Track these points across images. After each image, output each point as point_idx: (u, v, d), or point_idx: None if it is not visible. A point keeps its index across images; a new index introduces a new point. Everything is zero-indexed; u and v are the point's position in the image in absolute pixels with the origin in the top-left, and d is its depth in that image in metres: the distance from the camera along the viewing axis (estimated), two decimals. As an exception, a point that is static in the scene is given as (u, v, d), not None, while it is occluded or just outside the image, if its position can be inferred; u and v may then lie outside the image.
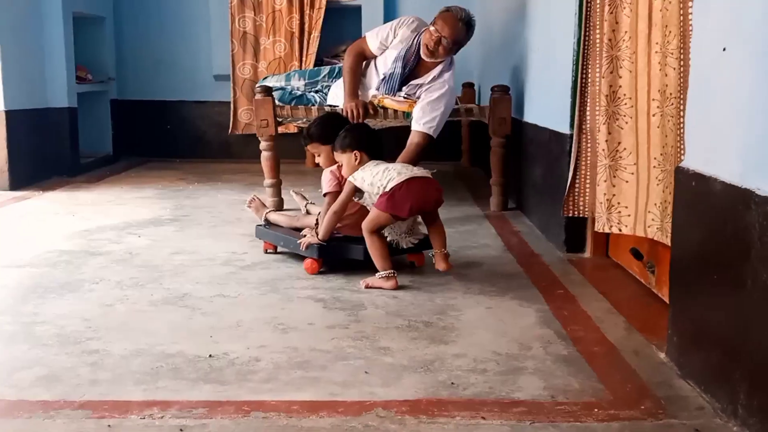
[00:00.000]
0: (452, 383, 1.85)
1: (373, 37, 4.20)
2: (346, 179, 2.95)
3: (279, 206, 4.25)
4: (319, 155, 3.12)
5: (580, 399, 1.76)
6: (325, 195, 3.16)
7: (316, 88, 4.53)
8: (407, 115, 4.11)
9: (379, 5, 6.29)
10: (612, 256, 3.06)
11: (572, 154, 3.01)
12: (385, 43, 4.17)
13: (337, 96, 4.33)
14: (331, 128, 3.08)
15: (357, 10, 6.31)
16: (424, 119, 3.99)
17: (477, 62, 6.06)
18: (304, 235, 2.93)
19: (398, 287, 2.65)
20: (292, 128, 5.83)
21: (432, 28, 3.95)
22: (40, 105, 5.17)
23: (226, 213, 4.14)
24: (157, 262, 3.00)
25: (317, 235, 2.88)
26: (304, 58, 6.17)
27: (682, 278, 1.95)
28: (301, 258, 2.98)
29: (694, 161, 1.90)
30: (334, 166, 3.17)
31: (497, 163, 4.26)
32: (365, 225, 2.81)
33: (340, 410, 1.70)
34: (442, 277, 2.82)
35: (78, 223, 3.76)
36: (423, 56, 4.02)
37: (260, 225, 3.23)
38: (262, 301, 2.51)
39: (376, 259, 2.78)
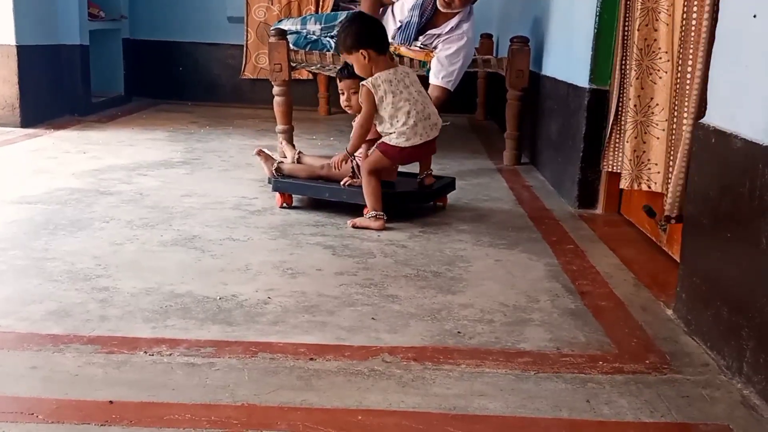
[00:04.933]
0: (458, 332, 1.86)
1: (390, -17, 4.12)
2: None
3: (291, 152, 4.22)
4: (353, 92, 2.92)
5: (585, 351, 1.77)
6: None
7: (332, 34, 4.45)
8: (423, 65, 4.06)
9: (398, -50, 6.13)
10: (624, 213, 3.03)
11: (611, 107, 2.93)
12: (403, -12, 4.09)
13: (352, 42, 4.26)
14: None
15: (375, -46, 6.16)
16: (441, 73, 3.94)
17: (496, 12, 5.95)
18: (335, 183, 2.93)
19: (385, 228, 2.73)
20: (305, 74, 5.78)
21: None
22: (51, 41, 5.12)
23: (237, 157, 4.13)
24: (167, 203, 3.00)
25: (348, 152, 2.85)
26: (321, 2, 6.07)
27: (694, 235, 1.93)
28: (313, 205, 2.97)
29: (715, 117, 1.86)
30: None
31: (512, 116, 4.21)
32: (366, 165, 2.82)
33: (346, 354, 1.71)
34: (452, 228, 2.82)
35: (89, 162, 3.75)
36: (439, 7, 3.95)
37: (275, 177, 3.02)
38: (271, 246, 2.51)
39: (370, 198, 2.80)
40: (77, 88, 5.38)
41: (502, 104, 4.33)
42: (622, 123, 2.87)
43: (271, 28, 4.21)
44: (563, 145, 3.47)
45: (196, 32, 6.49)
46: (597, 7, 3.02)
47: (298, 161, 3.16)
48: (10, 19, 4.61)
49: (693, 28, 2.33)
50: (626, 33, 2.85)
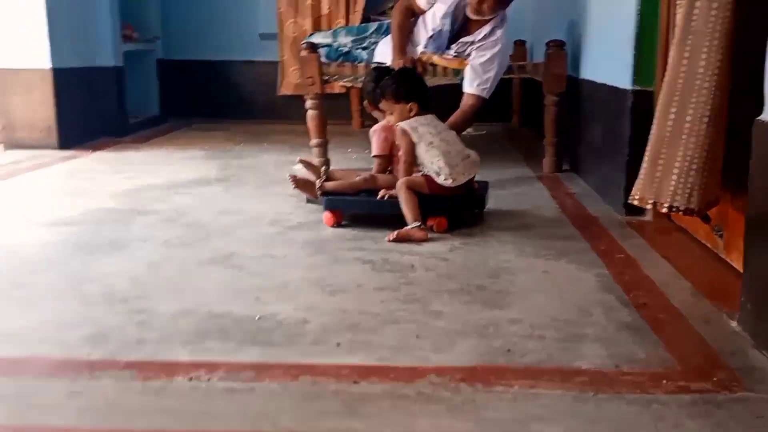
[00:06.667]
0: (508, 350, 1.76)
1: (422, -6, 4.05)
2: (395, 132, 2.91)
3: (326, 167, 4.16)
4: (391, 113, 2.97)
5: (647, 369, 1.66)
6: (374, 157, 3.07)
7: (363, 45, 4.41)
8: (457, 73, 3.98)
9: (427, -40, 6.07)
10: (675, 220, 2.90)
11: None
12: (434, -1, 4.02)
13: (384, 53, 4.20)
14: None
15: (405, -35, 6.11)
16: (476, 81, 3.86)
17: (529, 18, 5.84)
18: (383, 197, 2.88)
19: (428, 239, 2.67)
20: (337, 88, 5.73)
21: None
22: (87, 64, 5.16)
23: (272, 173, 4.09)
24: (204, 221, 2.96)
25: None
26: (350, 16, 6.03)
27: (758, 240, 1.81)
28: (349, 220, 2.91)
29: (776, 115, 1.75)
30: (380, 125, 3.08)
31: (551, 122, 4.10)
32: (405, 181, 2.81)
33: (391, 376, 1.63)
34: (493, 239, 2.72)
35: (125, 182, 3.74)
36: (469, 14, 3.87)
37: (320, 195, 2.93)
38: (309, 262, 2.45)
39: (409, 210, 2.76)
40: (113, 109, 5.42)
41: (539, 111, 4.23)
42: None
43: (302, 42, 4.17)
44: (607, 151, 3.35)
45: (229, 50, 6.50)
46: (637, 5, 2.90)
47: (329, 178, 3.09)
48: (46, 43, 4.65)
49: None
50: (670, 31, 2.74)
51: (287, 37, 6.20)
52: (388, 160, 3.06)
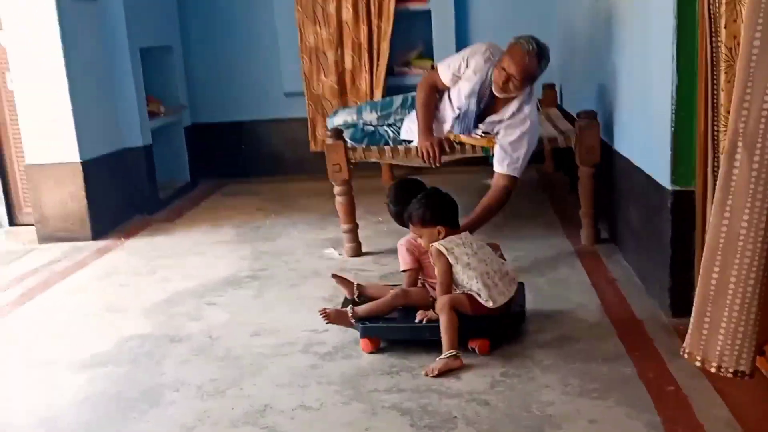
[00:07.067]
0: None
1: (445, 69, 3.97)
2: (429, 252, 2.86)
3: (357, 251, 4.10)
4: (420, 236, 2.90)
5: None
6: (403, 272, 3.00)
7: (389, 122, 4.34)
8: (486, 151, 3.89)
9: (450, 8, 5.99)
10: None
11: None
12: (458, 74, 3.93)
13: (410, 130, 4.13)
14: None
15: (426, 14, 6.03)
16: (506, 161, 3.78)
17: (556, 62, 5.70)
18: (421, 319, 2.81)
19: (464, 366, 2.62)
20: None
21: (501, 64, 3.69)
22: (115, 148, 5.17)
23: (303, 261, 4.04)
24: (237, 350, 2.91)
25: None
26: (374, 70, 5.96)
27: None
28: (390, 343, 2.83)
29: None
30: (405, 238, 3.00)
31: (586, 195, 3.98)
32: (448, 301, 2.73)
33: None
34: (535, 364, 2.62)
35: (158, 288, 3.72)
36: (495, 93, 3.77)
37: (354, 322, 2.83)
38: (346, 415, 2.37)
39: (450, 336, 2.68)
40: (144, 188, 5.41)
41: (572, 156, 4.05)
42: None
43: (328, 129, 4.11)
44: (647, 240, 3.22)
45: (256, 110, 6.47)
46: (672, 96, 2.76)
47: (360, 295, 3.02)
48: (73, 137, 4.66)
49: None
50: (714, 131, 2.59)
51: (313, 94, 6.15)
52: (417, 272, 2.98)
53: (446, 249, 2.78)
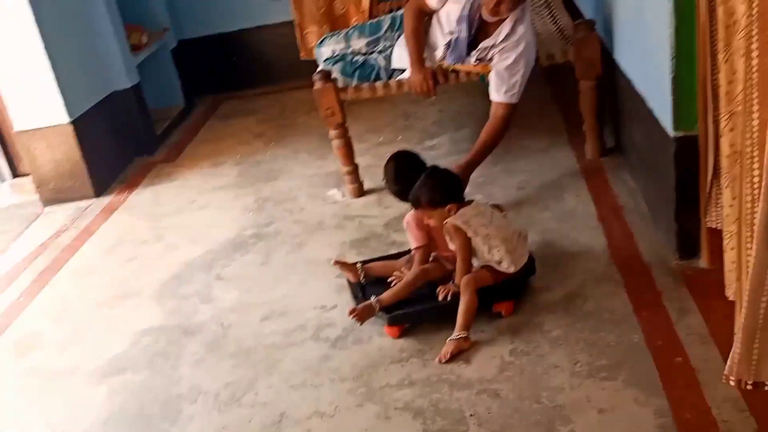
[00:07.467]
0: None
1: (431, -8, 3.69)
2: (445, 228, 2.79)
3: (360, 191, 4.04)
4: (430, 218, 2.81)
5: None
6: (415, 249, 2.94)
7: (379, 48, 4.11)
8: (483, 78, 3.69)
9: None
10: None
11: (706, 157, 2.57)
12: (445, -4, 3.66)
13: (402, 57, 3.91)
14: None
15: None
16: (503, 87, 3.59)
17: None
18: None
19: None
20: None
21: None
22: (102, 94, 5.00)
23: (307, 209, 4.00)
24: (249, 342, 2.93)
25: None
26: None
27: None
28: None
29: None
30: (411, 215, 2.92)
31: (589, 109, 3.81)
32: (471, 280, 2.72)
33: None
34: (545, 338, 2.61)
35: (166, 262, 3.71)
36: (485, 17, 3.52)
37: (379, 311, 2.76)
38: (360, 421, 2.41)
39: (467, 317, 2.68)
40: (139, 128, 5.30)
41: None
42: (722, 177, 2.50)
43: (315, 73, 3.89)
44: (653, 173, 3.10)
45: (242, 19, 6.20)
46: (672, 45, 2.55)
47: (367, 275, 3.00)
48: (58, 98, 4.51)
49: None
50: (714, 70, 2.40)
51: (297, -3, 5.78)
52: (428, 247, 2.93)
53: (463, 222, 2.72)
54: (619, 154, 3.81)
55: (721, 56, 2.29)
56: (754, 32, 1.85)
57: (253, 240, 3.79)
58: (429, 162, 3.10)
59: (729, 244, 2.41)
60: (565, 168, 3.85)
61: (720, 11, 2.22)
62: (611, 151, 3.88)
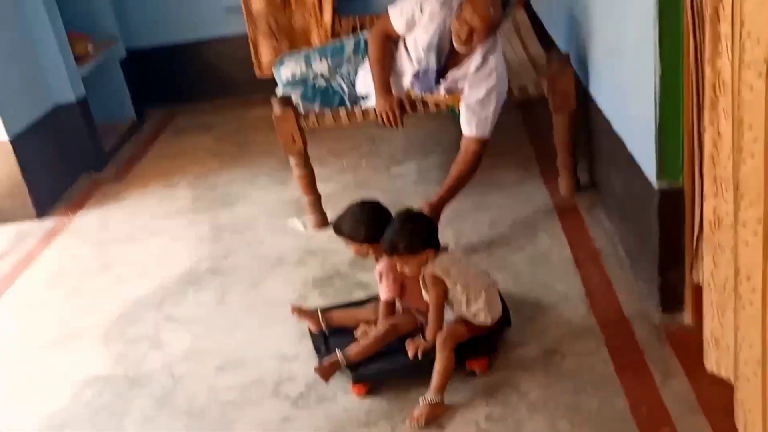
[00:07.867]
0: None
1: (397, 17, 3.52)
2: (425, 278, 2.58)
3: (323, 222, 3.83)
4: (406, 265, 2.57)
5: None
6: (383, 302, 2.74)
7: (343, 72, 3.91)
8: (452, 110, 3.53)
9: None
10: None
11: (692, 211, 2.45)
12: (412, 21, 3.49)
13: (367, 82, 3.72)
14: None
15: None
16: (473, 121, 3.42)
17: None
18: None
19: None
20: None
21: (463, 15, 3.24)
22: (44, 109, 4.68)
23: (267, 242, 3.78)
24: (202, 399, 2.70)
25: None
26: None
27: None
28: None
29: None
30: (385, 265, 2.71)
31: (562, 144, 3.67)
32: (448, 337, 2.54)
33: None
34: (521, 401, 2.45)
35: (114, 296, 3.44)
36: (456, 47, 3.36)
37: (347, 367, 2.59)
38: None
39: (444, 379, 2.50)
40: (85, 144, 4.98)
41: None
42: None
43: (274, 97, 3.68)
44: (631, 218, 2.98)
45: (197, 29, 5.94)
46: (656, 86, 2.41)
47: (328, 323, 2.80)
48: (-5, 115, 4.20)
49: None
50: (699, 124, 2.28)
51: (253, 11, 5.54)
52: (395, 299, 2.74)
53: (443, 271, 2.54)
54: (593, 191, 3.69)
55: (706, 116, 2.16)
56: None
57: (208, 275, 3.55)
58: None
59: (708, 312, 2.29)
60: (539, 204, 3.71)
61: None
62: (585, 188, 3.75)
